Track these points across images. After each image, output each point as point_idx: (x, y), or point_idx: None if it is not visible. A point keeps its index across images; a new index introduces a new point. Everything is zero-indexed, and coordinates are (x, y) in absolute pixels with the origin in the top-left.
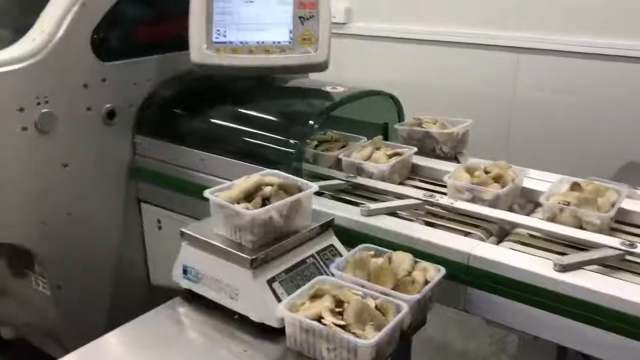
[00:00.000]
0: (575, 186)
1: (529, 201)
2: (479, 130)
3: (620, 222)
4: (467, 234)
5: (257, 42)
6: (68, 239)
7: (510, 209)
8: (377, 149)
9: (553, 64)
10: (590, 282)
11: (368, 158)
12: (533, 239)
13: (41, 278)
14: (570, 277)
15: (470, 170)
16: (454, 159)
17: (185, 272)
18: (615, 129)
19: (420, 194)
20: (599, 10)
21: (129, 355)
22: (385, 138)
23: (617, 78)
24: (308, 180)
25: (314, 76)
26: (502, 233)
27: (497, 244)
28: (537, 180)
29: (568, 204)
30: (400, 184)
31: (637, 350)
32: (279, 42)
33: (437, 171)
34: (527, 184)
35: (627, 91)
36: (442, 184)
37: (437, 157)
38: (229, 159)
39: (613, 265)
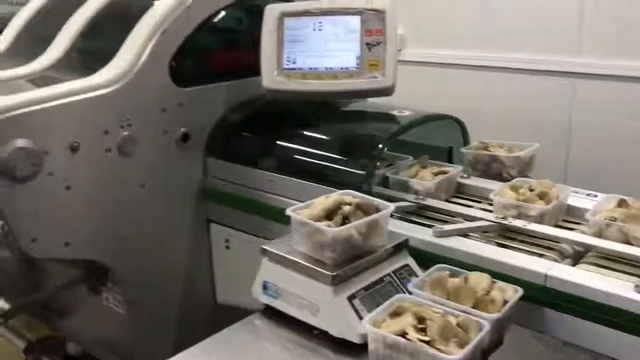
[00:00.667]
0: (622, 203)
1: None
2: (537, 156)
3: None
4: (540, 255)
5: (326, 68)
6: (141, 257)
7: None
8: (424, 167)
9: (610, 88)
10: None
11: (414, 176)
12: (609, 261)
13: (113, 294)
14: None
15: (515, 188)
16: None
17: (265, 288)
18: None
19: (491, 216)
20: None
21: None
22: (450, 161)
23: None
24: None
25: (372, 101)
26: (576, 255)
27: (573, 265)
28: (582, 198)
29: (614, 219)
30: (447, 201)
31: None
32: (347, 68)
33: (482, 189)
34: (572, 201)
35: None
36: (488, 201)
37: (504, 181)
38: (299, 180)
39: None
